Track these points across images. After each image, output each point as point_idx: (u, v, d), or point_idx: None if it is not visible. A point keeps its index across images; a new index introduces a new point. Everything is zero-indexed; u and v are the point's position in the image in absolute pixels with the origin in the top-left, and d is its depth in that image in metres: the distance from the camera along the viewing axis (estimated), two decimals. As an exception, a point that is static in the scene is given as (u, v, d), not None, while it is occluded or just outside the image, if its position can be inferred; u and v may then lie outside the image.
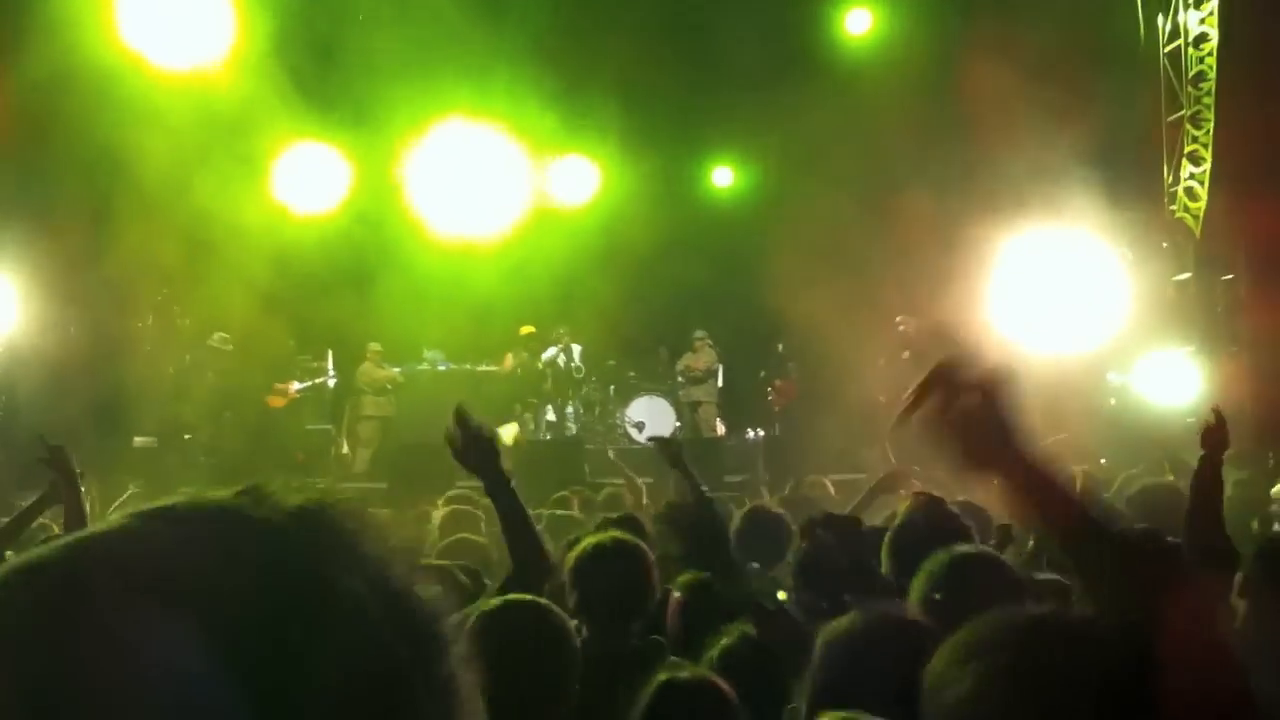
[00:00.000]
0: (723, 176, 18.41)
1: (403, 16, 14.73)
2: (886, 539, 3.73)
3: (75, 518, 4.77)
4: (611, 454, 12.99)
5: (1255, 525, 6.30)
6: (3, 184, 13.79)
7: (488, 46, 14.64)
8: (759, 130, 17.05)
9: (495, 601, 2.96)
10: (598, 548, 3.65)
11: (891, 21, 16.59)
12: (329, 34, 14.90)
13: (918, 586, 2.84)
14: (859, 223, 13.81)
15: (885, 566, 3.60)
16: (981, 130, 13.47)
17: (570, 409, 16.42)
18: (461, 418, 3.55)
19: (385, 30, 14.86)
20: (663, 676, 2.71)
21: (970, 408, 1.69)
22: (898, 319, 14.85)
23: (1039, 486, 1.71)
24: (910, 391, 1.74)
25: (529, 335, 16.07)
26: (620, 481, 9.23)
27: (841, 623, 2.43)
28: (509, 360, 16.19)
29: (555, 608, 3.01)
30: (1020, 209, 14.08)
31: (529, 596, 3.03)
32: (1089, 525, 1.70)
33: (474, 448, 3.56)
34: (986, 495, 3.94)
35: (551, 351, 16.25)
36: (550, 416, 16.46)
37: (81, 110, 13.07)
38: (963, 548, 3.06)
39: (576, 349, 16.36)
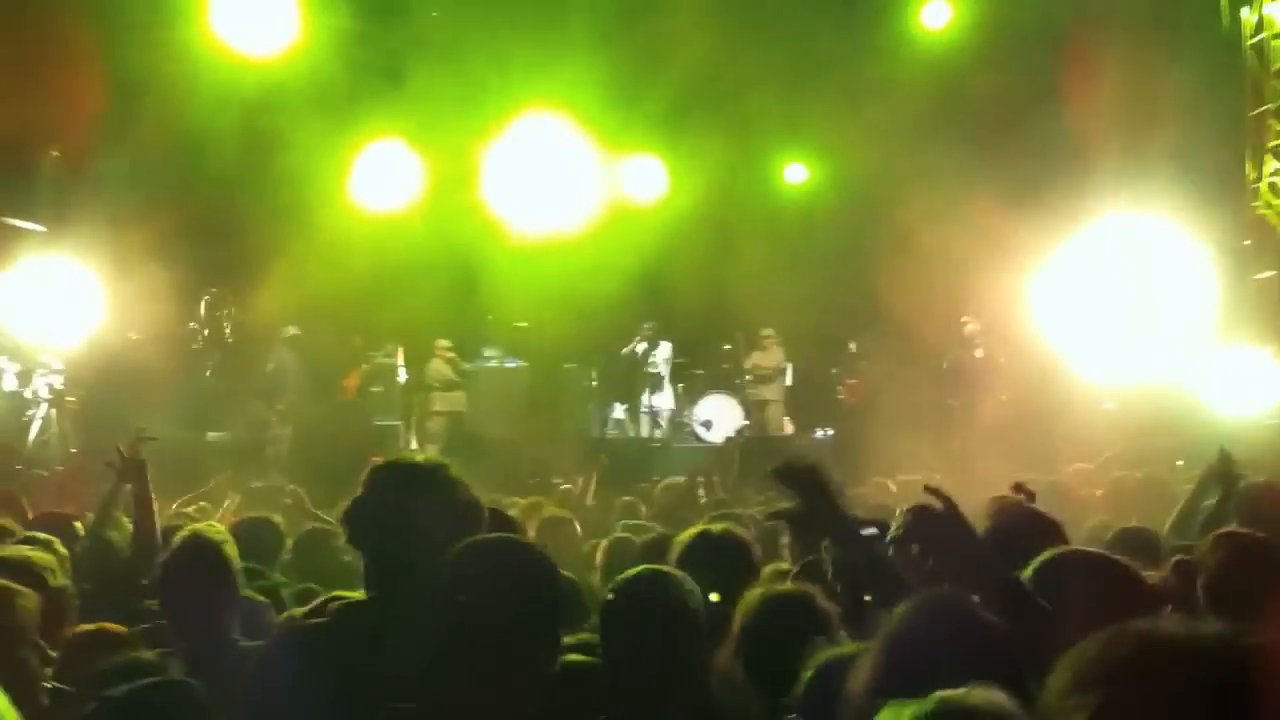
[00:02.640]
0: (796, 173, 18.25)
1: (471, 12, 14.76)
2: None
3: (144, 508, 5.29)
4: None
5: None
6: (89, 180, 13.92)
7: (554, 39, 14.58)
8: (834, 127, 16.81)
9: None
10: None
11: (971, 13, 16.23)
12: (401, 31, 14.97)
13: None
14: (934, 220, 13.64)
15: None
16: (1061, 124, 13.22)
17: (647, 407, 16.33)
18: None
19: (454, 25, 14.88)
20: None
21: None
22: (963, 319, 14.71)
23: None
24: None
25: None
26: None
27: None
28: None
29: None
30: (1100, 205, 13.83)
31: None
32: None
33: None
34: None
35: (633, 344, 16.21)
36: (618, 414, 16.43)
37: (161, 104, 13.23)
38: (1071, 548, 2.89)
39: (666, 346, 16.33)
